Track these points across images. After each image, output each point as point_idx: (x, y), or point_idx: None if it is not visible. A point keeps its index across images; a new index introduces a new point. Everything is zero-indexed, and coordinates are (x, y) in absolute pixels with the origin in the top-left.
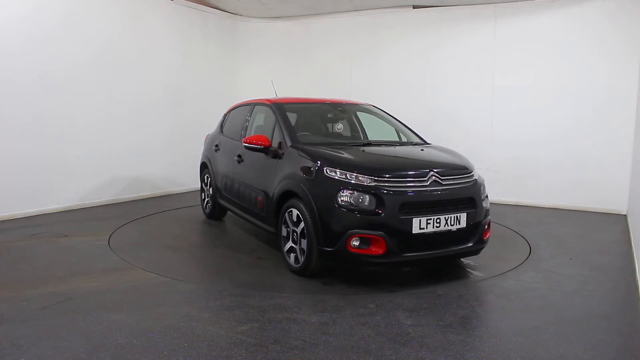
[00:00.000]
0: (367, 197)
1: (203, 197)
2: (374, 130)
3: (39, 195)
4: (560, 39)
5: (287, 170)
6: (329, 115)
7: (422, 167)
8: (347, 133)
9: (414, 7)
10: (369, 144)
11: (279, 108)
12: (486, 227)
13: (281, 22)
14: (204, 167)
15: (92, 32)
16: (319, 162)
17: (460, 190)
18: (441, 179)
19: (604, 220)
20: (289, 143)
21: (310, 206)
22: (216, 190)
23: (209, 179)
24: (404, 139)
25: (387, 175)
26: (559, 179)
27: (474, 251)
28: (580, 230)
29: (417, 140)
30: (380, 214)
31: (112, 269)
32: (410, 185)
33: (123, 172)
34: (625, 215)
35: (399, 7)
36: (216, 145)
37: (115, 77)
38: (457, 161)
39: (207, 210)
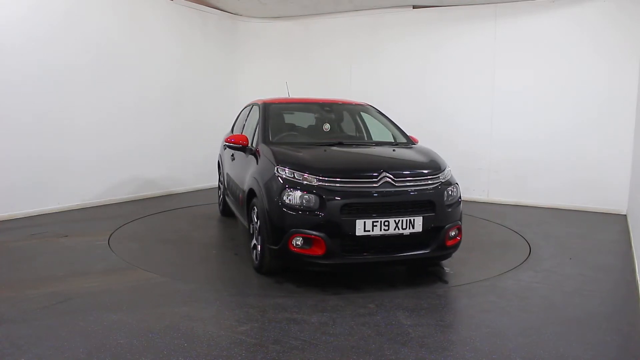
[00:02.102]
0: (309, 197)
1: (219, 194)
2: (371, 130)
3: (39, 195)
4: (560, 39)
5: (254, 168)
6: (316, 115)
7: (373, 168)
8: (353, 133)
9: (414, 7)
10: (340, 143)
11: (265, 108)
12: (455, 232)
13: (281, 22)
14: (218, 166)
15: (92, 32)
16: (272, 161)
17: (417, 193)
18: (395, 181)
19: (604, 220)
20: (261, 142)
21: (262, 204)
22: (224, 188)
23: (222, 177)
24: (398, 140)
25: (331, 176)
26: (559, 179)
27: (436, 257)
28: (580, 230)
29: (403, 140)
30: (321, 214)
31: (112, 269)
32: (357, 186)
33: (123, 172)
34: (625, 215)
35: (399, 7)
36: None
37: (115, 77)
38: (423, 163)
39: (220, 207)
